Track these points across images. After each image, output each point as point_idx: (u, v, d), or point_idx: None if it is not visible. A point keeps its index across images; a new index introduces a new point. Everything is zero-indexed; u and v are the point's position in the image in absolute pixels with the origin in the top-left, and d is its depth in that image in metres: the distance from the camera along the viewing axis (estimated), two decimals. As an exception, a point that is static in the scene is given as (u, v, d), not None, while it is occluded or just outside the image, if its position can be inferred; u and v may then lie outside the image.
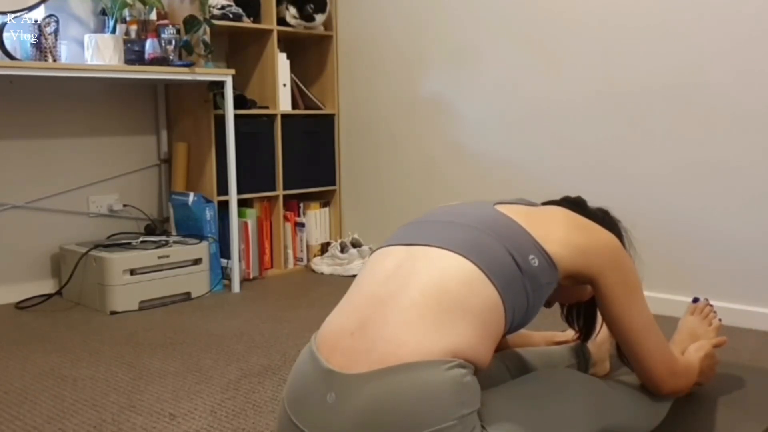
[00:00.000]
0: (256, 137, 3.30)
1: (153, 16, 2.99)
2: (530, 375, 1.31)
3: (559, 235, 1.25)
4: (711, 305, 1.83)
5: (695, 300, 1.84)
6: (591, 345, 1.81)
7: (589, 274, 1.28)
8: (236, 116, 3.06)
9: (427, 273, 1.11)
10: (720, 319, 1.82)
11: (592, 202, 1.57)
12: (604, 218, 1.52)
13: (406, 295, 1.09)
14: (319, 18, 3.45)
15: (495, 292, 1.12)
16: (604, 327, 1.89)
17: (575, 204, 1.50)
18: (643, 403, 1.45)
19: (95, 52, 2.75)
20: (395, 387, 1.01)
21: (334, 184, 3.65)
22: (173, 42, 2.89)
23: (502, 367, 1.55)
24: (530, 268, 1.18)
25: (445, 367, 1.03)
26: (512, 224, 1.23)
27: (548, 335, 1.84)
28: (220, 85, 2.99)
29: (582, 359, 1.76)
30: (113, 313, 2.74)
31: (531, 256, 1.19)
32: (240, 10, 3.23)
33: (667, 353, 1.39)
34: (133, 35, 2.93)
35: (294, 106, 3.49)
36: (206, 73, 2.95)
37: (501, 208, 1.30)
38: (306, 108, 3.56)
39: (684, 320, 1.81)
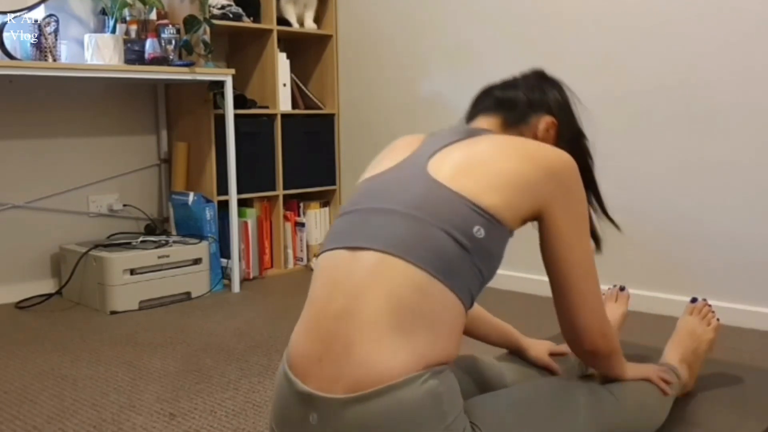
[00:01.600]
0: (256, 137, 3.30)
1: (153, 15, 2.99)
2: (530, 382, 1.31)
3: (500, 182, 1.13)
4: (709, 305, 1.83)
5: (693, 300, 1.84)
6: None
7: (536, 211, 1.17)
8: (236, 116, 3.07)
9: (377, 285, 1.06)
10: (718, 319, 1.81)
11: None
12: (543, 91, 1.39)
13: (363, 312, 1.04)
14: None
15: (446, 289, 1.07)
16: None
17: (506, 104, 1.36)
18: (643, 406, 1.45)
19: (95, 52, 2.75)
20: (375, 412, 1.00)
21: (334, 184, 3.65)
22: (173, 42, 2.89)
23: (499, 373, 1.53)
24: (477, 243, 1.11)
25: (419, 382, 1.02)
26: (449, 195, 1.12)
27: (545, 346, 1.67)
28: (220, 84, 2.99)
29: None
30: (113, 312, 2.73)
31: (475, 228, 1.11)
32: (240, 10, 3.23)
33: (602, 305, 1.25)
34: (133, 35, 2.93)
35: (294, 105, 3.49)
36: (206, 72, 2.95)
37: (435, 170, 1.16)
38: (306, 108, 3.56)
39: (682, 320, 1.80)
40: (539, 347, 1.63)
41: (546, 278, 1.35)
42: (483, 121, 1.36)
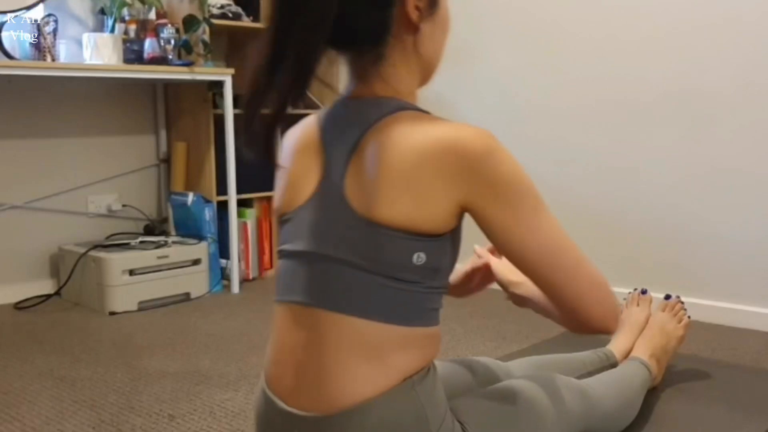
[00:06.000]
0: (256, 137, 3.29)
1: (152, 15, 2.99)
2: (517, 379, 1.31)
3: (420, 195, 0.95)
4: (682, 302, 1.85)
5: (667, 297, 1.85)
6: (615, 349, 1.79)
7: (463, 209, 0.98)
8: (236, 116, 3.06)
9: (333, 339, 1.01)
10: (689, 317, 1.83)
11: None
12: None
13: (330, 347, 1.01)
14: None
15: (406, 328, 1.02)
16: (626, 334, 1.86)
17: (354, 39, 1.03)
18: (620, 401, 1.46)
19: (94, 52, 2.75)
20: (358, 429, 1.00)
21: (333, 184, 3.64)
22: (172, 41, 2.88)
23: (507, 373, 1.53)
24: (421, 270, 0.99)
25: (399, 396, 1.00)
26: (379, 233, 0.97)
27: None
28: (220, 84, 2.98)
29: (607, 364, 1.74)
30: (112, 313, 2.73)
31: (414, 256, 0.98)
32: (239, 9, 3.22)
33: (601, 283, 1.02)
34: (132, 34, 2.93)
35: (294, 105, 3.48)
36: (205, 72, 2.95)
37: (355, 201, 0.98)
38: (305, 107, 3.55)
39: (654, 316, 1.82)
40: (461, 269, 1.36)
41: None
42: (360, 82, 1.04)
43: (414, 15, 1.00)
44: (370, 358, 1.00)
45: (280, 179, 1.10)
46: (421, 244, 0.97)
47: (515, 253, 0.98)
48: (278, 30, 0.98)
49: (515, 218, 0.96)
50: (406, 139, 0.96)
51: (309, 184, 1.04)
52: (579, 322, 1.03)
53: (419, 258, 0.98)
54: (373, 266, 0.98)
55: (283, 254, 1.08)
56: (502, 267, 1.31)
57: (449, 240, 1.02)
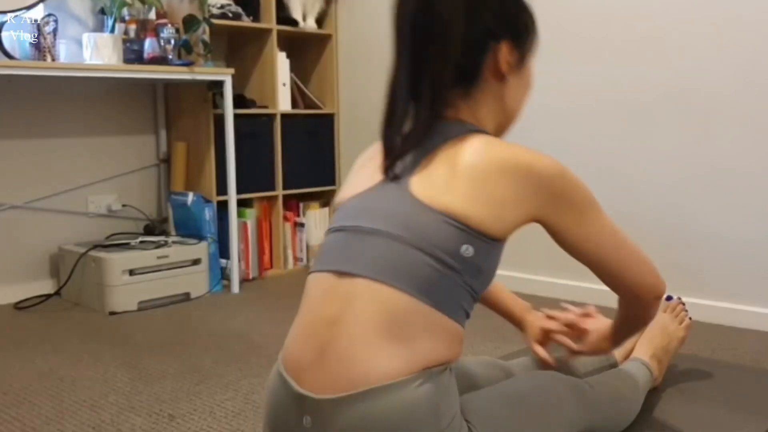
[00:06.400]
0: (256, 137, 3.30)
1: (152, 15, 2.99)
2: (518, 377, 1.31)
3: (486, 197, 1.07)
4: (683, 303, 1.85)
5: (669, 298, 1.85)
6: (617, 352, 1.79)
7: (529, 221, 1.12)
8: (235, 116, 3.06)
9: (366, 307, 1.05)
10: (690, 318, 1.83)
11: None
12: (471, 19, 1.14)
13: (356, 322, 1.04)
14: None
15: (437, 312, 1.06)
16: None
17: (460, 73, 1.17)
18: (619, 399, 1.46)
19: (94, 52, 2.75)
20: (368, 413, 1.00)
21: (334, 183, 3.65)
22: (172, 41, 2.88)
23: (509, 373, 1.53)
24: (466, 262, 1.07)
25: (415, 385, 1.01)
26: (434, 216, 1.06)
27: (534, 331, 1.62)
28: (220, 84, 2.98)
29: (606, 364, 1.74)
30: (112, 313, 2.73)
31: (463, 247, 1.06)
32: (239, 9, 3.22)
33: (642, 255, 1.23)
34: (132, 34, 2.93)
35: (294, 105, 3.48)
36: (205, 72, 2.95)
37: (418, 190, 1.09)
38: (306, 107, 3.56)
39: (656, 317, 1.82)
40: (531, 332, 1.60)
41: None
42: (448, 108, 1.16)
43: (504, 66, 1.16)
44: (396, 337, 1.02)
45: (351, 177, 1.22)
46: (474, 240, 1.07)
47: (588, 252, 1.16)
48: (413, 74, 1.14)
49: (587, 225, 1.14)
50: (487, 149, 1.09)
51: (374, 178, 1.15)
52: (639, 295, 1.22)
53: (467, 250, 1.07)
54: (420, 243, 1.06)
55: (331, 231, 1.16)
56: (593, 349, 1.50)
57: (498, 248, 1.11)
